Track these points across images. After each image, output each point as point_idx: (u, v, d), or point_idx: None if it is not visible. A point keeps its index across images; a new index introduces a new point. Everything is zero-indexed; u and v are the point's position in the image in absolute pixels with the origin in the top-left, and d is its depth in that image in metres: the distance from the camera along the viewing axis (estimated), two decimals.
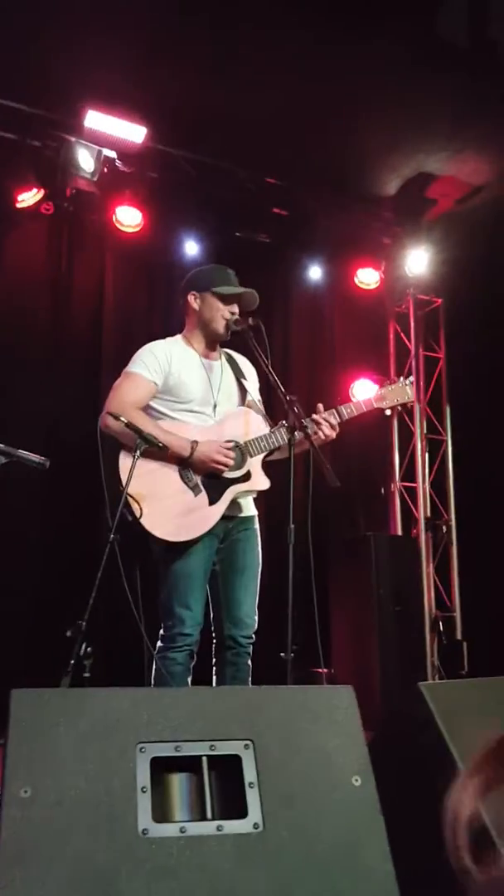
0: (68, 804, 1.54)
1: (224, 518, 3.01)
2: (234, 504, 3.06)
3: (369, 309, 6.49)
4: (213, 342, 3.21)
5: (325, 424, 3.03)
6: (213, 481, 2.99)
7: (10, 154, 5.16)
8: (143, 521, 2.84)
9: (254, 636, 3.02)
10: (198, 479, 2.97)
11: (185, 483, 2.96)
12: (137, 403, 3.02)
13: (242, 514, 3.10)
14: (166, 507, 2.90)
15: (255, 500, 3.19)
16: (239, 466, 3.02)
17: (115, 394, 3.04)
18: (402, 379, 3.37)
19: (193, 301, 3.19)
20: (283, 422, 3.00)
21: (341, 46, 4.49)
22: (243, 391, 3.21)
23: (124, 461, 2.89)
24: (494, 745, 0.70)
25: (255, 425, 3.11)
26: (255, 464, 3.05)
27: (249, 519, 3.13)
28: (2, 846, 1.47)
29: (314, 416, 3.05)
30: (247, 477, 3.03)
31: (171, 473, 2.96)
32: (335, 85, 4.81)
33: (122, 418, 2.88)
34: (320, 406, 3.09)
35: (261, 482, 3.07)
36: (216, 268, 3.24)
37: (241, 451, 3.02)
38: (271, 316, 5.67)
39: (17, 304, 5.18)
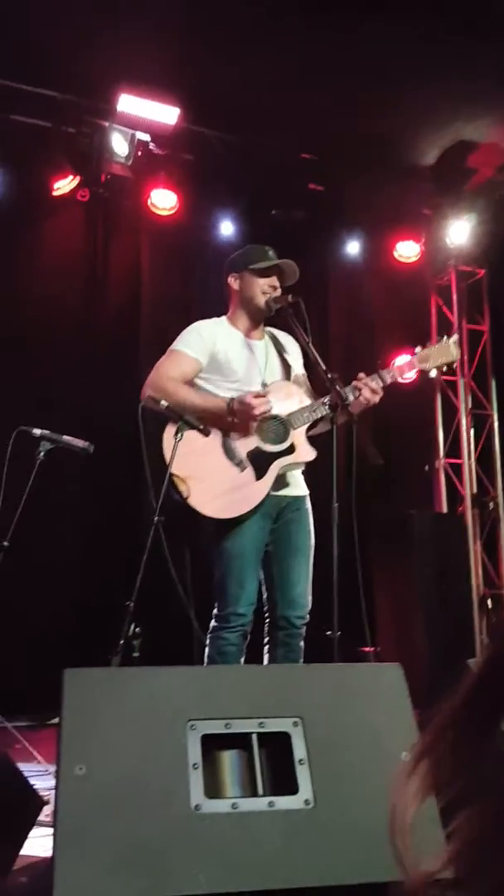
0: (122, 781, 1.57)
1: (274, 496, 3.01)
2: (282, 480, 3.04)
3: (410, 283, 6.39)
4: (256, 320, 3.20)
5: (367, 388, 2.98)
6: (258, 456, 2.98)
7: (45, 142, 5.19)
8: (190, 500, 2.86)
9: (308, 617, 3.01)
10: (242, 456, 2.97)
11: (230, 460, 2.96)
12: (179, 378, 3.04)
13: (293, 493, 3.08)
14: (212, 484, 2.91)
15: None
16: (283, 440, 3.00)
17: (156, 370, 3.07)
18: (444, 337, 3.23)
19: (233, 282, 3.20)
20: (324, 399, 2.98)
21: (375, 14, 4.39)
22: (287, 367, 3.20)
23: (168, 441, 2.91)
24: (441, 727, 0.58)
25: (296, 397, 3.09)
26: (298, 436, 3.03)
27: (301, 498, 3.12)
28: (59, 823, 1.50)
29: (355, 382, 3.00)
30: (291, 450, 3.01)
31: (215, 450, 2.96)
32: (369, 54, 4.72)
33: (163, 402, 2.91)
34: (361, 374, 3.05)
35: (306, 453, 3.04)
36: (253, 247, 3.23)
37: (284, 425, 3.01)
38: (309, 293, 5.56)
39: (55, 291, 5.23)
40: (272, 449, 2.99)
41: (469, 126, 5.48)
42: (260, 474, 2.96)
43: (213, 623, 2.95)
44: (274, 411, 3.02)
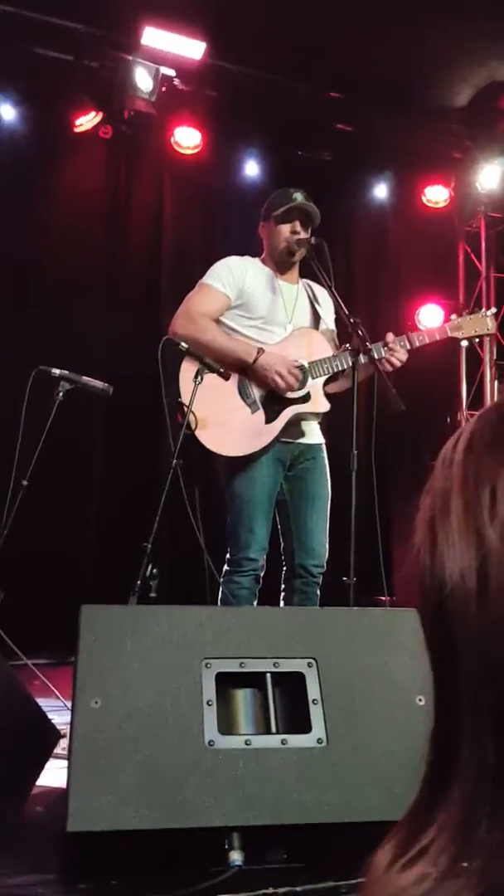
0: (137, 715, 1.59)
1: (287, 443, 2.99)
2: (296, 428, 3.02)
3: (437, 229, 6.22)
4: (285, 265, 3.15)
5: (394, 351, 2.94)
6: (272, 400, 2.95)
7: (67, 76, 5.06)
8: (197, 433, 2.85)
9: (325, 566, 3.02)
10: (256, 396, 2.95)
11: (243, 400, 2.95)
12: (209, 314, 3.01)
13: (307, 441, 3.06)
14: (222, 421, 2.90)
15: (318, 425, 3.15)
16: (301, 387, 2.97)
17: (186, 304, 3.05)
18: (482, 310, 3.19)
19: (262, 232, 3.20)
20: (348, 345, 2.93)
21: None
22: (317, 318, 3.15)
23: (184, 376, 2.90)
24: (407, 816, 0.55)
25: (319, 347, 3.05)
26: (316, 386, 3.00)
27: (317, 447, 3.09)
28: (74, 753, 1.53)
29: (386, 340, 2.95)
30: (307, 398, 2.98)
31: (229, 389, 2.94)
32: None
33: (184, 344, 2.89)
34: (390, 334, 2.99)
35: (321, 404, 3.01)
36: (279, 192, 3.16)
37: (304, 372, 2.97)
38: (334, 237, 5.46)
39: (77, 230, 5.16)
40: (287, 394, 2.96)
41: (503, 66, 5.27)
42: (271, 418, 2.94)
43: (225, 567, 2.97)
44: (294, 356, 2.98)
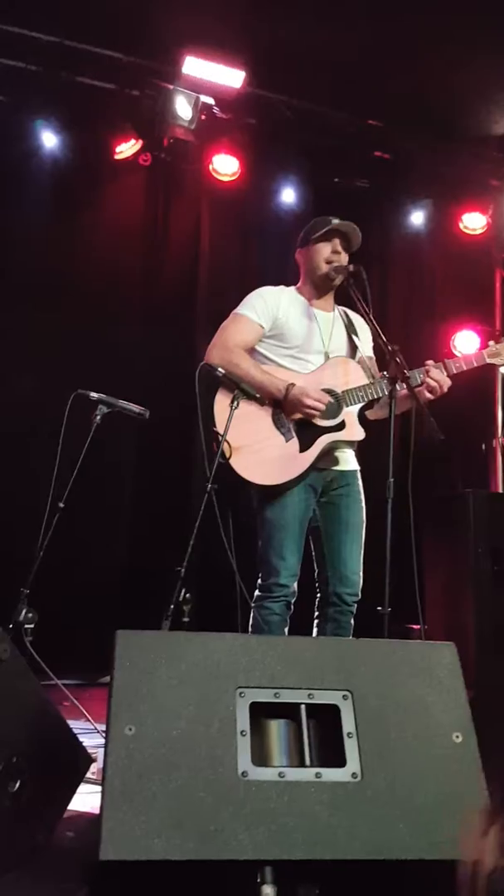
0: (171, 744, 1.58)
1: (320, 469, 2.99)
2: (330, 455, 3.01)
3: (474, 256, 6.19)
4: (322, 291, 3.16)
5: (432, 377, 2.92)
6: (306, 428, 2.96)
7: (108, 104, 5.17)
8: (231, 462, 2.85)
9: (359, 595, 2.99)
10: (290, 425, 2.95)
11: (278, 428, 2.95)
12: (242, 345, 3.03)
13: (341, 468, 3.05)
14: (256, 450, 2.90)
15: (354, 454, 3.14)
16: (334, 415, 2.97)
17: (220, 334, 3.06)
18: None
19: (300, 258, 3.21)
20: (385, 373, 2.92)
21: None
22: (353, 346, 3.15)
23: (220, 402, 2.93)
24: None
25: (354, 375, 3.04)
26: (350, 414, 3.00)
27: (351, 473, 3.08)
28: (108, 780, 1.52)
29: (425, 367, 2.94)
30: (341, 426, 2.97)
31: (264, 418, 2.95)
32: (438, 19, 4.55)
33: (220, 370, 2.91)
34: (430, 361, 2.98)
35: (355, 433, 3.01)
36: (317, 219, 3.18)
37: (338, 400, 2.97)
38: (370, 264, 5.49)
39: (115, 256, 5.24)
40: (322, 423, 2.96)
41: None
42: (305, 446, 2.94)
43: (256, 593, 2.95)
44: (329, 385, 2.98)
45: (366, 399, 2.99)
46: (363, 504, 3.07)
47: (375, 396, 2.98)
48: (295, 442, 2.94)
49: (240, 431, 2.86)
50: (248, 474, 2.89)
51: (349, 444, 3.06)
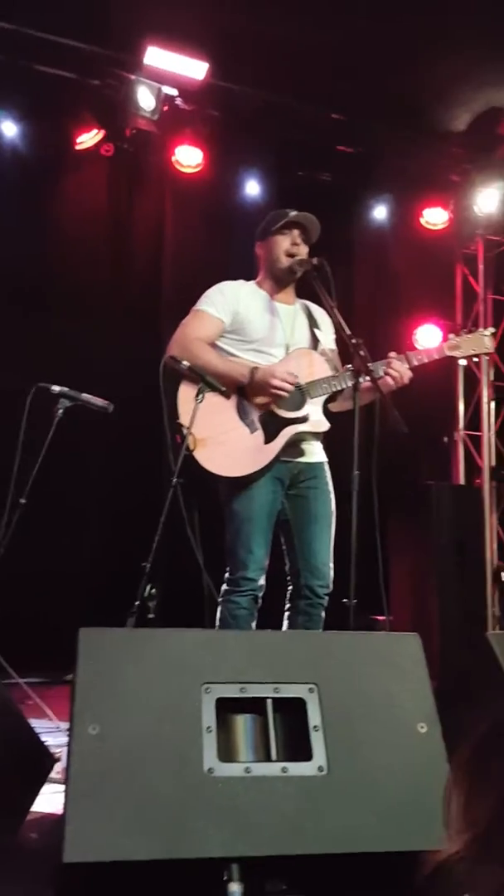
0: (136, 742, 1.56)
1: (286, 462, 2.98)
2: (296, 447, 3.01)
3: (436, 250, 6.25)
4: (283, 283, 3.15)
5: (395, 369, 2.94)
6: (270, 420, 2.95)
7: (70, 94, 5.09)
8: (196, 454, 2.84)
9: (331, 587, 2.99)
10: (254, 417, 2.95)
11: (242, 420, 2.94)
12: (203, 339, 3.02)
13: (307, 460, 3.05)
14: (220, 442, 2.89)
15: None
16: (298, 407, 2.97)
17: (181, 330, 3.05)
18: (481, 329, 3.18)
19: (260, 251, 3.20)
20: (349, 366, 2.93)
21: None
22: (315, 339, 3.15)
23: (183, 394, 2.91)
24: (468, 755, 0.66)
25: (317, 367, 3.04)
26: (314, 405, 3.00)
27: (318, 465, 3.08)
28: (71, 781, 1.50)
29: (388, 359, 2.95)
30: (305, 418, 2.98)
31: (228, 410, 2.94)
32: (402, 16, 4.57)
33: (185, 362, 2.89)
34: (392, 353, 3.00)
35: (319, 424, 3.01)
36: (274, 212, 3.18)
37: (302, 392, 2.97)
38: (334, 257, 5.46)
39: (78, 247, 5.17)
40: (286, 415, 2.96)
41: (501, 92, 5.33)
42: (269, 438, 2.94)
43: (224, 587, 2.94)
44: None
45: (329, 391, 2.99)
46: (332, 496, 3.07)
47: (338, 388, 2.99)
48: (260, 434, 2.94)
49: (204, 424, 2.85)
50: (212, 466, 2.88)
51: (314, 435, 3.05)
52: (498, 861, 0.56)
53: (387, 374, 2.92)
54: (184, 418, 2.86)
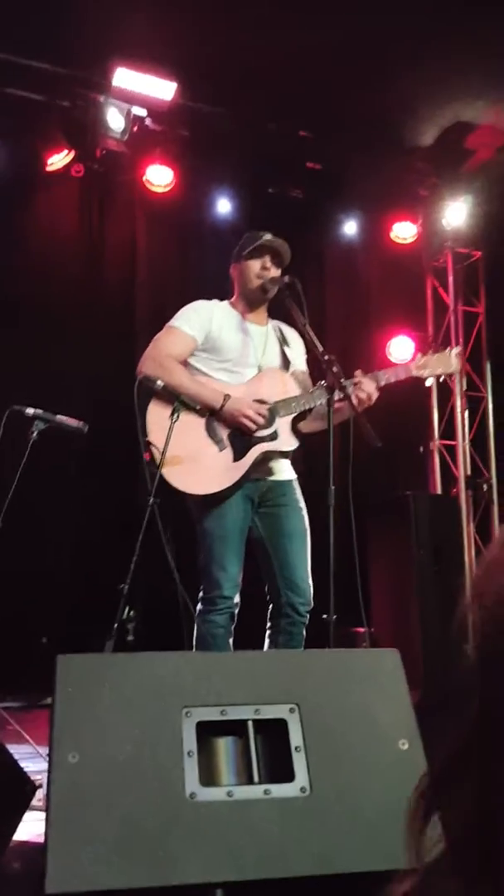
0: (116, 768, 1.55)
1: (255, 480, 3.00)
2: (265, 465, 3.02)
3: (406, 264, 6.32)
4: (255, 304, 3.18)
5: (363, 388, 2.95)
6: (239, 438, 2.97)
7: (39, 116, 5.09)
8: (165, 472, 2.85)
9: (311, 604, 2.98)
10: (224, 435, 2.96)
11: (211, 437, 2.96)
12: (176, 356, 3.03)
13: (276, 478, 3.06)
14: (188, 459, 2.89)
15: (293, 462, 3.16)
16: (267, 426, 2.98)
17: (154, 345, 3.07)
18: (448, 349, 3.19)
19: (234, 273, 3.23)
20: (322, 382, 2.95)
21: None
22: (286, 359, 3.17)
23: (153, 413, 2.93)
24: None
25: (287, 386, 3.07)
26: (283, 424, 3.01)
27: (287, 483, 3.09)
28: (52, 810, 1.49)
29: (355, 379, 2.97)
30: (274, 437, 2.99)
31: (197, 429, 2.95)
32: (367, 33, 4.64)
33: (159, 382, 2.91)
34: (359, 371, 3.02)
35: (287, 442, 3.02)
36: (249, 234, 3.22)
37: (271, 411, 2.99)
38: (305, 273, 5.54)
39: (51, 268, 5.17)
40: (255, 433, 2.97)
41: (467, 107, 5.41)
42: (238, 456, 2.95)
43: (199, 606, 2.93)
44: (262, 396, 2.99)
45: (298, 410, 3.01)
46: (304, 512, 3.08)
47: (307, 407, 3.01)
48: (229, 452, 2.95)
49: (174, 442, 2.85)
50: (180, 484, 2.89)
51: (283, 454, 3.06)
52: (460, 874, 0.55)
53: (354, 395, 2.92)
54: (153, 436, 2.88)
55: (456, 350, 3.20)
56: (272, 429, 2.99)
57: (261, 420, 2.93)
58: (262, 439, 2.98)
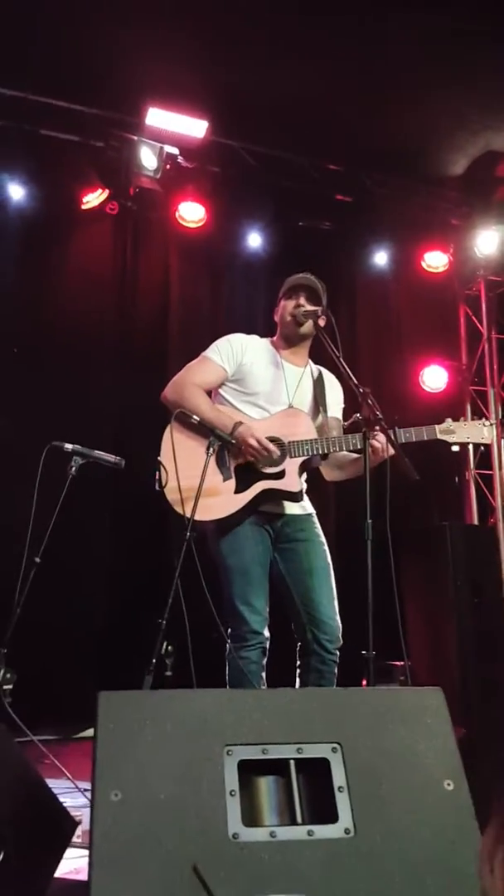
0: (158, 807, 1.54)
1: (268, 512, 3.00)
2: (277, 502, 3.01)
3: (438, 293, 6.34)
4: (292, 342, 3.21)
5: (379, 443, 2.88)
6: (245, 471, 2.97)
7: (74, 156, 5.23)
8: (168, 494, 2.87)
9: (340, 641, 2.95)
10: (231, 466, 2.97)
11: (218, 466, 2.97)
12: (201, 384, 3.07)
13: (292, 512, 3.05)
14: (193, 484, 2.85)
15: (320, 497, 3.15)
16: (277, 464, 2.98)
17: (183, 372, 3.12)
18: (482, 420, 3.09)
19: (275, 316, 3.28)
20: (357, 415, 2.94)
21: (401, 20, 4.37)
22: (318, 404, 3.16)
23: (168, 436, 2.98)
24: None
25: (303, 427, 3.05)
26: (292, 465, 3.00)
27: (304, 517, 3.08)
28: (95, 849, 1.48)
29: (371, 441, 2.84)
30: (280, 475, 2.98)
31: (205, 457, 2.94)
32: (395, 63, 4.70)
33: (195, 417, 2.95)
34: (378, 428, 2.94)
35: (290, 484, 2.99)
36: (289, 278, 3.24)
37: (283, 450, 2.98)
38: (337, 305, 5.59)
39: (85, 305, 5.25)
40: (262, 469, 2.97)
41: (498, 136, 5.44)
42: (240, 489, 2.96)
43: (229, 643, 2.90)
44: (277, 434, 2.99)
45: (311, 452, 2.99)
46: (325, 547, 3.06)
47: (321, 451, 3.00)
48: (232, 483, 2.97)
49: (183, 465, 2.86)
50: (178, 506, 2.89)
51: (289, 494, 3.02)
52: None
53: (370, 445, 2.83)
54: (163, 456, 2.94)
55: (491, 422, 3.07)
56: (280, 467, 2.98)
57: (264, 453, 2.93)
58: (268, 476, 2.98)
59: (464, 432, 3.03)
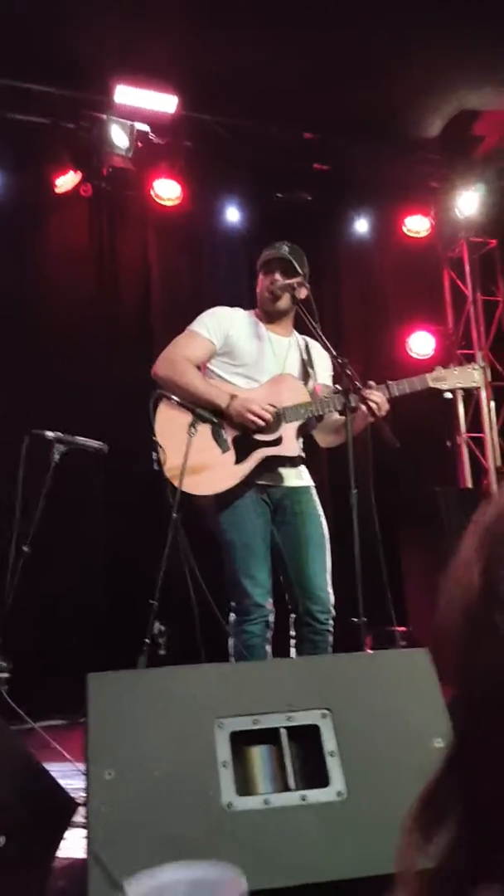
0: (152, 784, 1.56)
1: (266, 486, 2.99)
2: (275, 473, 3.01)
3: (421, 258, 6.29)
4: (273, 315, 3.19)
5: (372, 399, 2.88)
6: (243, 442, 2.97)
7: (45, 139, 5.17)
8: (169, 476, 2.86)
9: (333, 611, 2.96)
10: (228, 438, 2.97)
11: (215, 440, 2.96)
12: (191, 359, 3.06)
13: (290, 484, 3.05)
14: (191, 460, 2.87)
15: (313, 467, 3.15)
16: (273, 430, 2.97)
17: (171, 347, 3.11)
18: (472, 364, 3.14)
19: (256, 287, 3.25)
20: (337, 385, 2.94)
21: None
22: (307, 372, 3.16)
23: (162, 414, 2.97)
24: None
25: (301, 393, 3.05)
26: (288, 430, 2.99)
27: (302, 489, 3.08)
28: (91, 828, 1.50)
29: (364, 392, 2.87)
30: (277, 441, 2.98)
31: (203, 431, 2.95)
32: (362, 27, 4.63)
33: (174, 398, 2.94)
34: (371, 383, 2.96)
35: (289, 448, 3.00)
36: (266, 247, 3.21)
37: (278, 416, 2.98)
38: (320, 275, 5.53)
39: (65, 288, 5.21)
40: (258, 437, 2.97)
41: (471, 94, 5.37)
42: (240, 459, 2.95)
43: (233, 617, 2.92)
44: (271, 401, 2.98)
45: (306, 415, 2.99)
46: (321, 519, 3.06)
47: (316, 413, 3.00)
48: (231, 454, 2.96)
49: (179, 446, 2.86)
50: (184, 486, 2.88)
51: (289, 460, 3.03)
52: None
53: (365, 404, 2.86)
54: (160, 438, 2.91)
55: (480, 364, 3.13)
56: (277, 433, 2.98)
57: (267, 417, 2.92)
58: (266, 443, 2.97)
59: (454, 378, 3.06)
